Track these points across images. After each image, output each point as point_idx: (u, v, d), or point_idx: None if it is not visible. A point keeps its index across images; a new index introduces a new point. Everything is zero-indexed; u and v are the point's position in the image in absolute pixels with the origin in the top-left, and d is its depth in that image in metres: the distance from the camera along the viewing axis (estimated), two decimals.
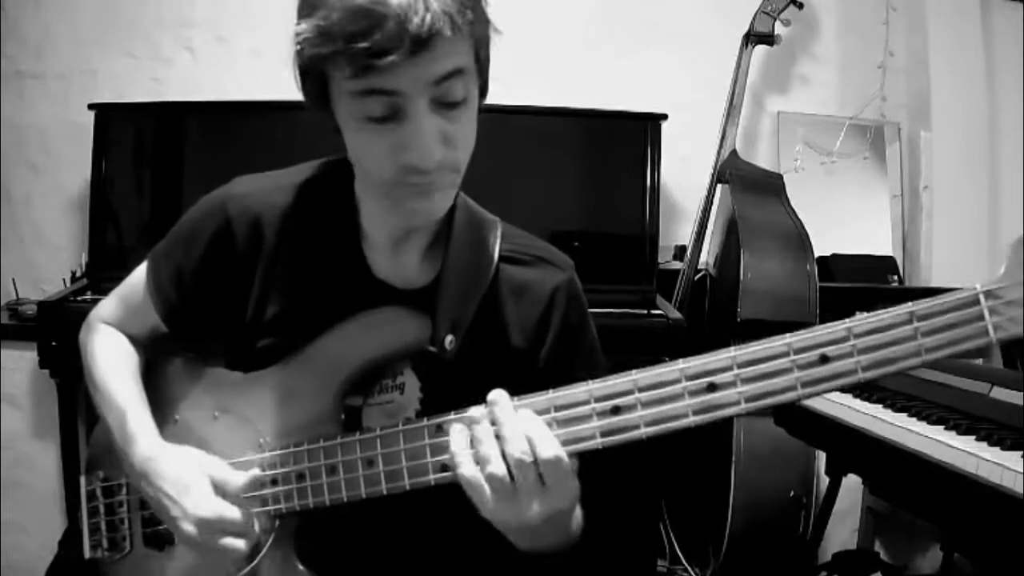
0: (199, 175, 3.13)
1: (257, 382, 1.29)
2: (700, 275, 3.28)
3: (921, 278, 3.50)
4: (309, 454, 1.20)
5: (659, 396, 1.03)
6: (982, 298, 0.93)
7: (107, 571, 1.36)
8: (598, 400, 1.06)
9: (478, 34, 1.11)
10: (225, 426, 1.29)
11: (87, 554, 1.35)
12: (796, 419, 2.32)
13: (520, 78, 3.17)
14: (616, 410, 1.05)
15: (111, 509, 1.36)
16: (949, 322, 0.93)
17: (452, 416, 1.12)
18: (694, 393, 1.02)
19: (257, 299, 1.31)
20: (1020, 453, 1.57)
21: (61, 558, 2.47)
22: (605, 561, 1.24)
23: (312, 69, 1.10)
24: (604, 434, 1.05)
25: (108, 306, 1.43)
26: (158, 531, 1.31)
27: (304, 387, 1.25)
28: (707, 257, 3.30)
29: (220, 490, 1.22)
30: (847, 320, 0.98)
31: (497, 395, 1.08)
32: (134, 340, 1.41)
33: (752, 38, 3.28)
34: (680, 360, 1.03)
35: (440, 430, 1.13)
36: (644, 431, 1.03)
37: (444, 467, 1.13)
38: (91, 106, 3.05)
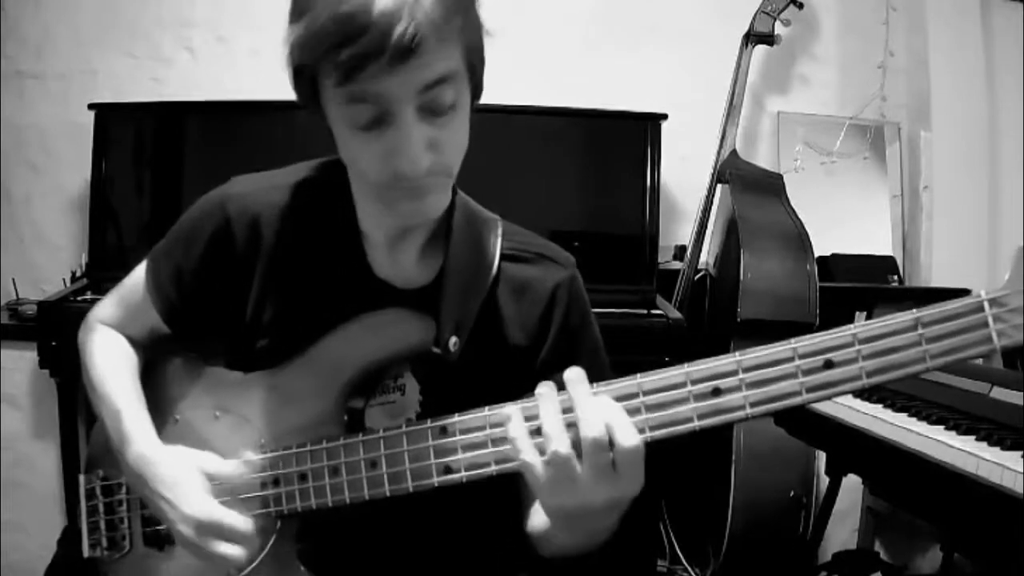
0: (199, 175, 3.12)
1: (258, 383, 1.28)
2: (700, 275, 3.28)
3: (921, 278, 3.49)
4: (312, 455, 1.20)
5: (664, 400, 1.03)
6: (986, 305, 0.93)
7: (107, 570, 1.36)
8: None
9: (469, 39, 1.11)
10: (226, 426, 1.29)
11: (86, 553, 1.35)
12: (796, 419, 2.31)
13: (520, 78, 3.19)
14: None
15: (110, 508, 1.36)
16: (953, 329, 0.94)
17: (456, 418, 1.12)
18: (699, 397, 1.02)
19: (256, 299, 1.31)
20: (1020, 453, 1.57)
21: (60, 557, 2.47)
22: (606, 562, 1.24)
23: (302, 73, 1.11)
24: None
25: (106, 307, 1.43)
26: (158, 530, 1.31)
27: (306, 388, 1.24)
28: (707, 257, 3.30)
29: (217, 487, 1.22)
30: (852, 326, 0.98)
31: (576, 374, 1.04)
32: (133, 341, 1.40)
33: (752, 38, 3.27)
34: (685, 364, 1.03)
35: (444, 432, 1.13)
36: (649, 435, 1.02)
37: (448, 469, 1.13)
38: (91, 106, 3.04)
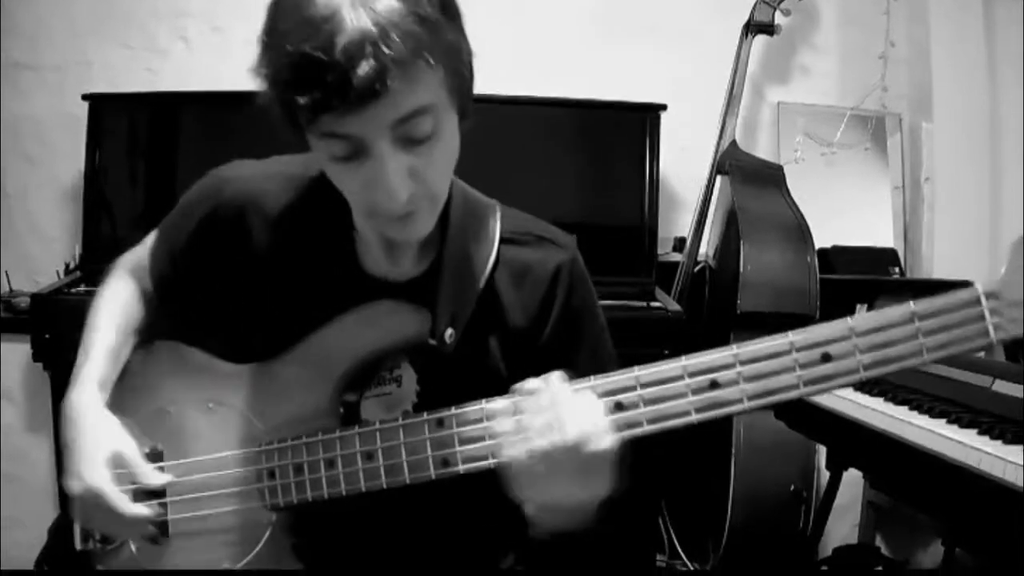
0: (194, 166, 2.92)
1: (253, 375, 1.28)
2: (699, 267, 3.26)
3: (923, 270, 3.48)
4: (307, 448, 1.20)
5: (662, 393, 1.03)
6: (983, 298, 0.94)
7: (99, 562, 1.35)
8: (600, 396, 1.05)
9: (449, 67, 1.07)
10: (220, 418, 1.28)
11: (79, 546, 1.34)
12: (796, 413, 2.30)
13: (519, 69, 3.18)
14: (619, 406, 1.04)
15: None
16: (950, 322, 0.95)
17: (453, 411, 1.12)
18: (697, 390, 1.02)
19: (245, 286, 1.31)
20: (1022, 447, 1.55)
21: (51, 546, 2.46)
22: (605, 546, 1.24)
23: (283, 114, 1.07)
24: None
25: (133, 253, 1.45)
26: (152, 524, 1.28)
27: (300, 380, 1.24)
28: (706, 249, 3.28)
29: (120, 473, 1.23)
30: (849, 318, 0.99)
31: (557, 375, 1.06)
32: (145, 292, 1.42)
33: (752, 28, 3.26)
34: (683, 357, 1.03)
35: (441, 424, 1.13)
36: (646, 428, 1.03)
37: (445, 462, 1.13)
38: (85, 97, 3.03)
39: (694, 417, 1.02)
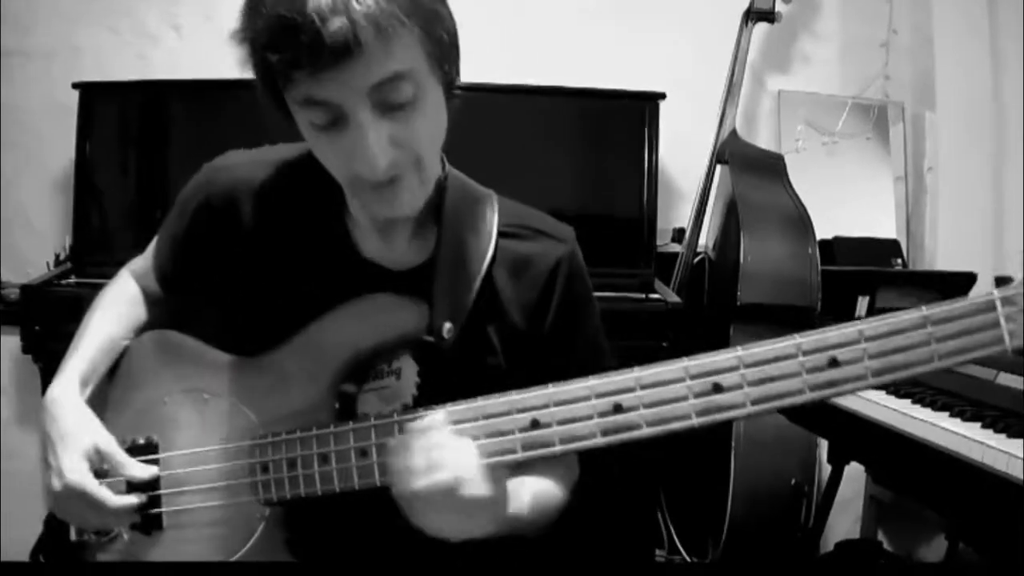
0: (186, 155, 3.05)
1: (250, 367, 1.29)
2: (699, 258, 3.25)
3: (925, 261, 3.47)
4: (301, 442, 1.20)
5: (662, 396, 1.02)
6: (998, 304, 0.92)
7: (93, 554, 1.34)
8: (599, 397, 1.05)
9: (428, 32, 1.09)
10: (215, 409, 1.29)
11: (73, 537, 1.34)
12: (798, 406, 2.25)
13: (514, 57, 3.18)
14: (618, 408, 1.04)
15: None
16: (964, 328, 0.93)
17: (449, 408, 1.11)
18: (699, 393, 1.01)
19: (244, 275, 1.32)
20: None
21: (45, 537, 2.46)
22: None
23: (263, 82, 1.11)
24: (604, 433, 1.04)
25: (139, 258, 1.49)
26: (146, 517, 1.29)
27: (296, 373, 1.24)
28: (706, 240, 3.27)
29: (100, 467, 1.25)
30: (859, 322, 0.97)
31: (433, 420, 1.09)
32: (147, 293, 1.45)
33: (752, 15, 3.24)
34: (684, 358, 1.02)
35: None
36: (646, 431, 1.03)
37: None
38: (75, 85, 3.00)
39: (695, 421, 1.01)
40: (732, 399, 0.99)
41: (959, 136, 3.44)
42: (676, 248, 3.29)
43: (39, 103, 3.24)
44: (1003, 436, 1.59)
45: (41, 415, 1.28)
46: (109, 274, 1.54)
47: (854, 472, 2.68)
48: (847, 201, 3.43)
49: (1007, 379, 1.83)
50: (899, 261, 3.35)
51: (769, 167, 3.10)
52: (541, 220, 1.35)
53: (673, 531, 3.09)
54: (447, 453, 1.05)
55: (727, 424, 2.67)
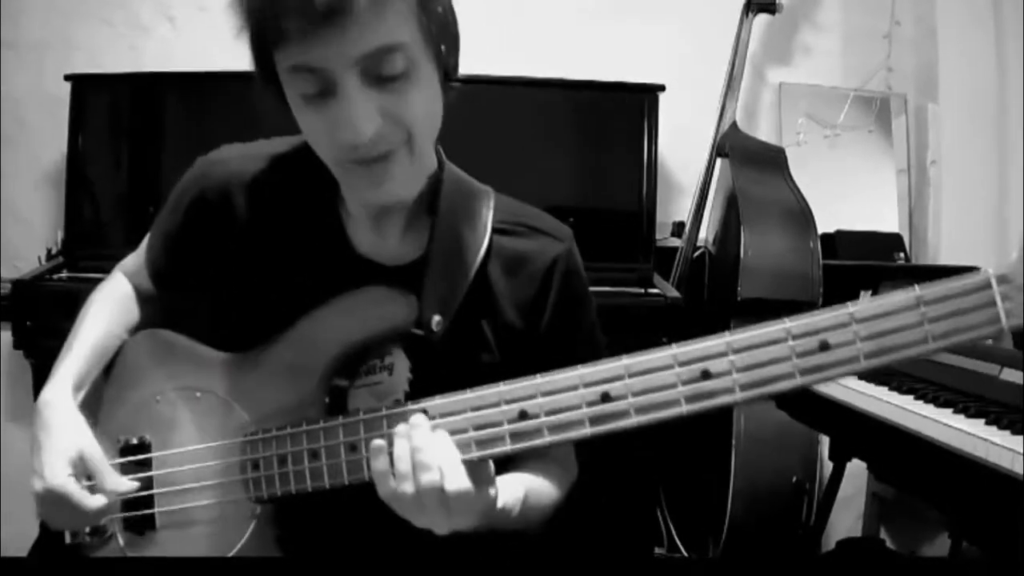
0: (180, 148, 3.05)
1: (241, 363, 1.29)
2: (699, 253, 3.24)
3: (928, 256, 3.45)
4: (291, 438, 1.19)
5: (651, 383, 1.01)
6: (994, 283, 0.90)
7: (89, 554, 1.33)
8: (587, 386, 1.04)
9: (423, 8, 1.10)
10: (206, 406, 1.28)
11: (68, 539, 1.33)
12: (798, 402, 2.28)
13: (512, 49, 3.17)
14: (606, 397, 1.03)
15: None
16: (958, 308, 0.91)
17: (437, 401, 1.11)
18: (687, 380, 1.00)
19: (234, 272, 1.32)
20: None
21: (41, 541, 2.44)
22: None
23: (257, 51, 1.12)
24: (594, 422, 1.03)
25: (130, 257, 1.49)
26: (139, 516, 1.29)
27: (288, 369, 1.24)
28: (706, 234, 3.26)
29: (81, 472, 1.24)
30: (850, 304, 0.95)
31: (417, 419, 1.08)
32: (140, 292, 1.45)
33: (753, 6, 3.22)
34: (673, 345, 1.01)
35: (425, 414, 1.11)
36: (635, 419, 1.01)
37: None
38: (67, 77, 2.98)
39: (684, 408, 0.99)
40: (721, 385, 0.98)
41: (963, 128, 3.42)
42: (676, 242, 3.28)
43: (30, 95, 3.22)
44: (1007, 433, 1.57)
45: (35, 415, 1.28)
46: (101, 268, 1.53)
47: (856, 469, 2.65)
48: (849, 195, 3.42)
49: (1011, 375, 1.81)
50: (902, 255, 3.35)
51: (770, 160, 3.09)
52: (538, 218, 1.35)
53: (673, 529, 3.09)
54: (428, 453, 1.05)
55: (727, 421, 2.72)
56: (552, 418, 1.05)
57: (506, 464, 1.22)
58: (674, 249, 3.24)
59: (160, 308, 1.45)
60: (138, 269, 1.45)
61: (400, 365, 1.27)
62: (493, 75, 2.88)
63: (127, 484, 1.25)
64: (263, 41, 1.09)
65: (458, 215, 1.29)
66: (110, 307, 1.42)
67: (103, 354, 1.37)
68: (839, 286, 2.85)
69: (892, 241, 3.37)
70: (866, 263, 3.20)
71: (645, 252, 3.07)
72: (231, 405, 1.26)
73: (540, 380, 1.06)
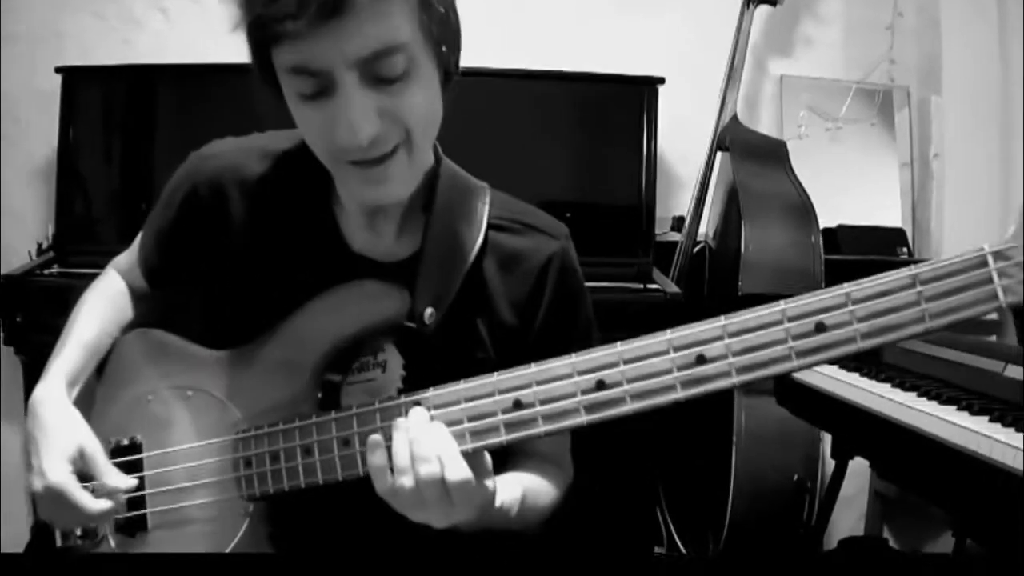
0: (172, 142, 3.03)
1: (233, 361, 1.29)
2: (699, 247, 3.23)
3: (931, 250, 3.44)
4: (284, 435, 1.19)
5: (646, 369, 1.01)
6: (991, 259, 0.89)
7: (83, 557, 1.33)
8: (581, 373, 1.04)
9: (424, 8, 1.09)
10: (198, 404, 1.28)
11: (59, 542, 1.33)
12: (799, 399, 2.28)
13: (510, 41, 3.16)
14: (600, 384, 1.03)
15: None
16: (955, 286, 0.90)
17: (431, 393, 1.11)
18: (683, 366, 1.00)
19: (231, 266, 1.31)
20: None
21: (33, 544, 2.43)
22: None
23: (255, 48, 1.10)
24: (588, 410, 1.03)
25: (124, 254, 1.48)
26: (130, 518, 1.29)
27: (279, 366, 1.24)
28: (706, 228, 3.25)
29: (81, 470, 1.24)
30: (845, 285, 0.96)
31: (415, 413, 1.08)
32: (134, 291, 1.45)
33: None
34: (668, 330, 1.01)
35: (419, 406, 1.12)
36: (630, 406, 1.01)
37: None
38: (58, 69, 2.97)
39: (680, 394, 0.99)
40: (717, 369, 0.98)
41: (966, 121, 3.41)
42: (675, 237, 3.27)
43: (20, 88, 3.20)
44: (1011, 430, 1.57)
45: (28, 413, 1.27)
46: (92, 263, 1.54)
47: (858, 467, 2.64)
48: (851, 188, 3.42)
49: (1015, 371, 1.81)
50: (904, 250, 3.34)
51: (771, 154, 3.08)
52: (534, 215, 1.35)
53: (673, 528, 3.08)
54: (426, 445, 1.04)
55: (728, 418, 2.69)
56: (547, 407, 1.04)
57: (503, 465, 1.23)
58: (674, 244, 3.24)
59: (154, 307, 1.45)
60: (131, 266, 1.45)
61: (393, 362, 1.27)
62: (492, 67, 2.87)
63: (129, 480, 1.25)
64: (261, 38, 1.08)
65: (454, 211, 1.29)
66: (104, 305, 1.42)
67: (96, 352, 1.37)
68: (841, 281, 2.84)
69: (895, 236, 3.36)
70: (868, 258, 3.18)
71: (644, 247, 3.05)
72: (224, 403, 1.26)
73: (534, 369, 1.06)
